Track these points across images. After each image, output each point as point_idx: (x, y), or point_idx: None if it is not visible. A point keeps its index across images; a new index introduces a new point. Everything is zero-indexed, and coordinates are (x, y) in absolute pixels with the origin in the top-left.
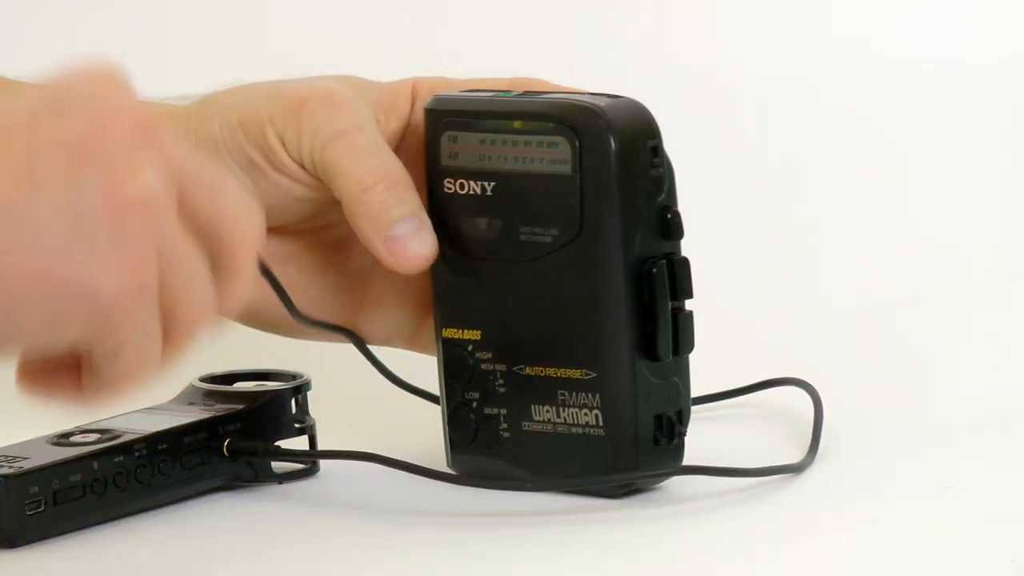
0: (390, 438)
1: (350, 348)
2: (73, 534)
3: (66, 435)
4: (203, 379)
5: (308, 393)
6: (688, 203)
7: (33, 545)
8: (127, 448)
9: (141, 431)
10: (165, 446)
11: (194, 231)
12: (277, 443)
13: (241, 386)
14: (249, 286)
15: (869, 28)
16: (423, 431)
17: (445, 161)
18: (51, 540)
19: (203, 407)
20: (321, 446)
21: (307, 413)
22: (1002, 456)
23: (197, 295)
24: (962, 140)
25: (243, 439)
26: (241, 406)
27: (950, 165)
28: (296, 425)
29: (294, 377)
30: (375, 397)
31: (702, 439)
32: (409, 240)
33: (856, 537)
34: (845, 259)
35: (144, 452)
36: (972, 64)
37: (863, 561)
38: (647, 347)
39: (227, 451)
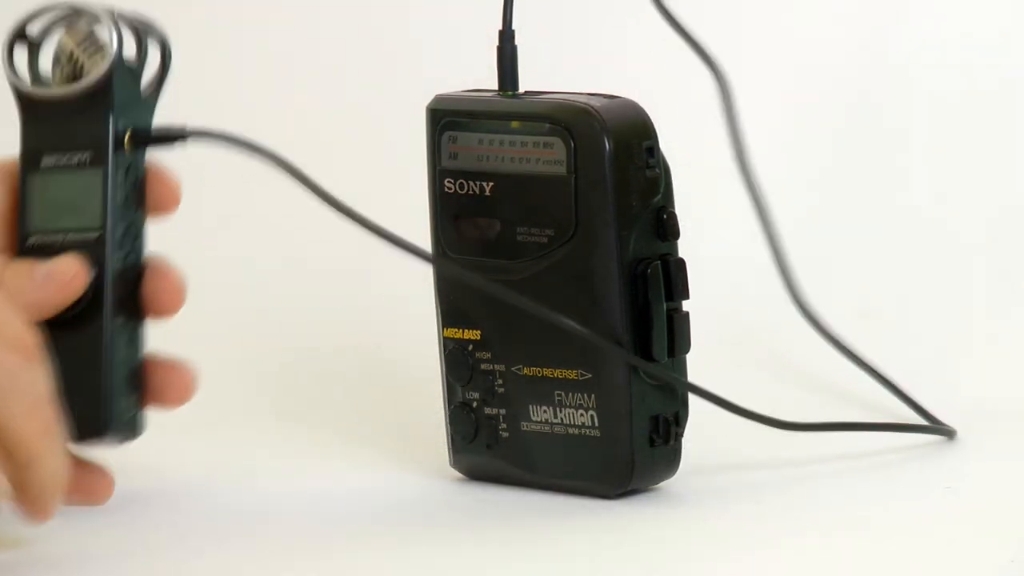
0: (391, 438)
1: (353, 352)
2: (68, 528)
3: None
4: None
5: None
6: (687, 204)
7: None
8: None
9: None
10: None
11: None
12: None
13: None
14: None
15: (870, 27)
16: (424, 431)
17: (445, 161)
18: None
19: None
20: (328, 452)
21: None
22: (1002, 456)
23: None
24: (963, 136)
25: None
26: None
27: (950, 163)
28: None
29: None
30: (376, 398)
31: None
32: (54, 276)
33: (856, 537)
34: (845, 260)
35: None
36: (972, 62)
37: (863, 561)
38: (642, 348)
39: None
